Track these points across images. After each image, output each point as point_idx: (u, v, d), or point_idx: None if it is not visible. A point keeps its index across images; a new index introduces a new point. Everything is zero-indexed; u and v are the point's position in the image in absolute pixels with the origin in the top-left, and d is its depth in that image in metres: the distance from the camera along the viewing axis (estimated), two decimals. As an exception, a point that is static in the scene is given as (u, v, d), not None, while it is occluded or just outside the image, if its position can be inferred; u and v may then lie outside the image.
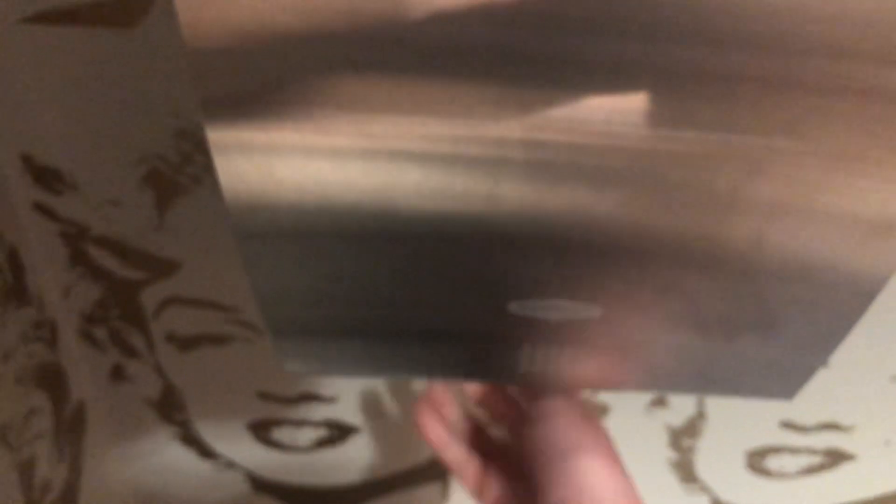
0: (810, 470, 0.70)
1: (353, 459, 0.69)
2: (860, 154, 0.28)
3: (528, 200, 0.30)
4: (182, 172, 0.49)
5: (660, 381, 0.39)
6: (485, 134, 0.28)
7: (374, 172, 0.29)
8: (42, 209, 0.51)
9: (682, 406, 0.65)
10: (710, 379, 0.38)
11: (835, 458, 0.69)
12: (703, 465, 0.70)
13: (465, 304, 0.35)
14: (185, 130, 0.47)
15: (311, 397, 0.64)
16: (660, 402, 0.64)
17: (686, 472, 0.71)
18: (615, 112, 0.27)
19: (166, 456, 0.68)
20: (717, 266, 0.32)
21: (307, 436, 0.67)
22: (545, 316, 0.35)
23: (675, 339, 0.36)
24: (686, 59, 0.25)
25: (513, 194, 0.30)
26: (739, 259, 0.32)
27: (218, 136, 0.28)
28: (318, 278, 0.34)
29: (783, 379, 0.38)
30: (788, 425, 0.67)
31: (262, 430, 0.67)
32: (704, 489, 0.72)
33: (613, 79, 0.26)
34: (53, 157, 0.49)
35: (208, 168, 0.49)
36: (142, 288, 0.56)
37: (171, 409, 0.64)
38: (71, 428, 0.59)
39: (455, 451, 0.43)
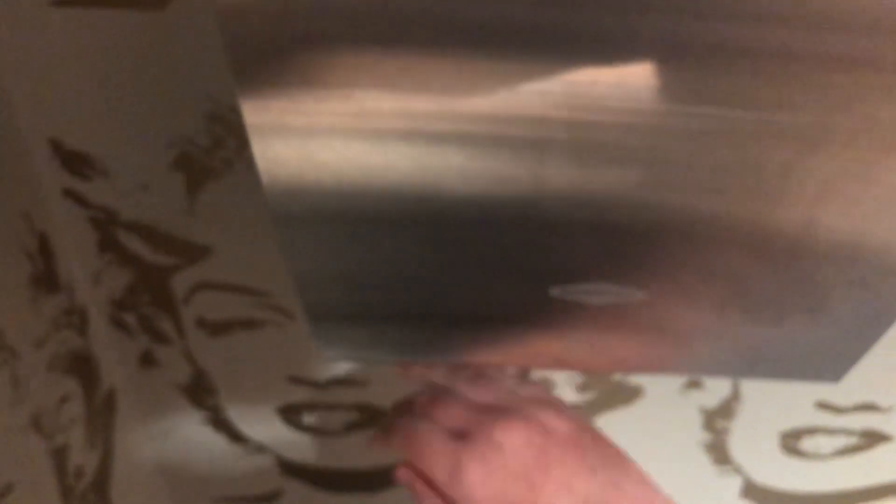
0: (846, 451, 0.70)
1: (383, 443, 0.69)
2: (916, 130, 0.27)
3: (573, 182, 0.29)
4: (213, 156, 0.49)
5: (704, 365, 0.38)
6: (529, 113, 0.27)
7: (416, 154, 0.28)
8: (72, 195, 0.51)
9: (716, 388, 0.64)
10: (756, 362, 0.37)
11: (871, 439, 0.68)
12: (737, 446, 0.70)
13: (507, 289, 0.34)
14: (216, 114, 0.47)
15: (341, 381, 0.64)
16: (694, 384, 0.64)
17: (719, 453, 0.70)
18: (664, 90, 0.26)
19: (196, 440, 0.69)
20: (768, 248, 0.31)
21: (337, 419, 0.67)
22: (588, 300, 0.34)
23: (721, 322, 0.35)
24: (739, 37, 0.25)
25: (558, 176, 0.29)
26: (790, 240, 0.31)
27: (255, 118, 0.27)
28: (357, 263, 0.33)
29: (830, 362, 0.37)
30: (824, 406, 0.66)
31: (292, 414, 0.67)
32: (737, 470, 0.72)
33: (661, 54, 0.25)
34: (82, 141, 0.48)
35: (240, 152, 0.48)
36: (172, 273, 0.56)
37: (201, 393, 0.64)
38: (102, 414, 0.59)
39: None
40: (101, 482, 0.59)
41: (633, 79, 0.26)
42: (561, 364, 0.39)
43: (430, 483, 0.40)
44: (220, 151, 0.48)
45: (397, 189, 0.30)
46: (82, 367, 0.56)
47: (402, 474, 0.41)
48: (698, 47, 0.25)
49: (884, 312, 0.34)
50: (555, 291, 0.34)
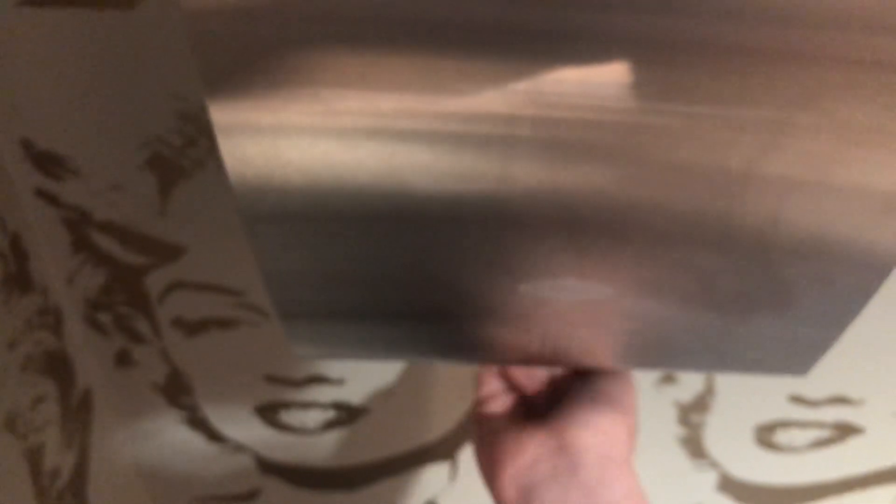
0: (819, 444, 0.70)
1: (361, 441, 0.69)
2: (877, 127, 0.27)
3: (539, 179, 0.29)
4: (185, 156, 0.49)
5: (673, 360, 0.39)
6: (495, 111, 0.27)
7: (383, 153, 0.29)
8: (44, 195, 0.51)
9: (690, 382, 0.65)
10: (724, 357, 0.38)
11: (843, 431, 0.69)
12: (712, 440, 0.70)
13: (476, 286, 0.34)
14: (187, 113, 0.47)
15: (318, 379, 0.64)
16: (668, 379, 0.64)
17: (695, 447, 0.71)
18: (626, 87, 0.27)
19: (174, 440, 0.68)
20: (732, 243, 0.32)
21: (315, 418, 0.67)
22: (556, 296, 0.34)
23: (688, 317, 0.35)
24: (700, 33, 0.25)
25: (525, 174, 0.29)
26: (754, 236, 0.31)
27: (222, 117, 0.27)
28: (327, 261, 0.33)
29: (798, 355, 0.38)
30: (797, 399, 0.66)
31: (269, 413, 0.67)
32: (713, 464, 0.72)
33: (625, 51, 0.26)
34: (54, 141, 0.48)
35: (212, 151, 0.48)
36: (146, 273, 0.56)
37: (178, 393, 0.64)
38: (78, 414, 0.59)
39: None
40: (78, 483, 0.59)
41: (598, 76, 0.26)
42: (533, 361, 0.39)
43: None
44: (191, 151, 0.48)
45: (365, 187, 0.30)
46: (57, 367, 0.56)
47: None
48: (661, 45, 0.25)
49: (848, 306, 0.35)
50: (524, 288, 0.34)
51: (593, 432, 0.39)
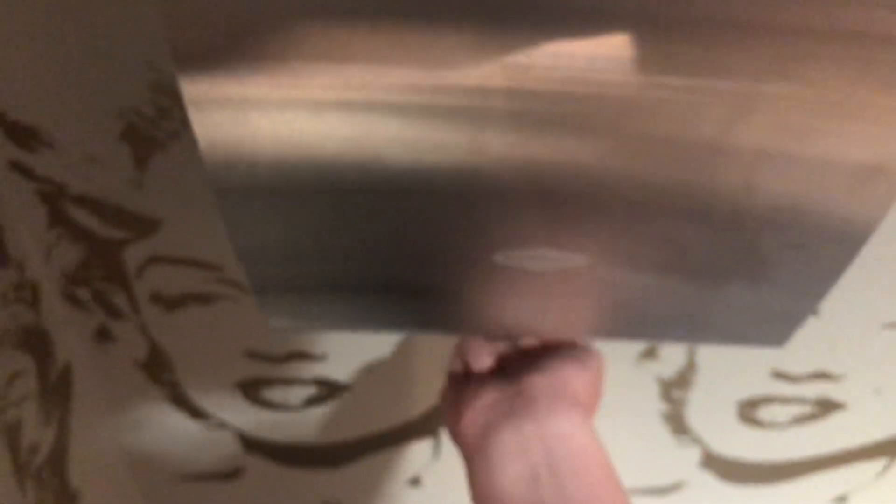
0: (801, 419, 0.71)
1: (344, 417, 0.69)
2: (847, 96, 0.27)
3: (511, 150, 0.29)
4: (159, 127, 0.48)
5: (650, 330, 0.39)
6: (465, 83, 0.27)
7: (353, 124, 0.28)
8: (18, 168, 0.50)
9: (672, 357, 0.65)
10: (700, 327, 0.38)
11: (825, 407, 0.69)
12: (695, 416, 0.70)
13: (450, 256, 0.34)
14: (161, 84, 0.46)
15: (300, 355, 0.64)
16: (650, 354, 0.64)
17: (678, 423, 0.71)
18: (597, 58, 0.27)
19: (156, 417, 0.68)
20: (706, 213, 0.32)
21: (297, 394, 0.67)
22: (531, 266, 0.34)
23: (664, 286, 0.35)
24: (672, 4, 0.25)
25: (496, 144, 0.29)
26: (728, 205, 0.31)
27: (192, 89, 0.27)
28: (300, 233, 0.33)
29: (774, 326, 0.38)
30: (779, 375, 0.67)
31: (251, 390, 0.67)
32: (696, 440, 0.73)
33: (594, 22, 0.26)
34: (27, 112, 0.48)
35: (186, 122, 0.48)
36: (123, 247, 0.55)
37: (158, 369, 0.64)
38: (57, 390, 0.59)
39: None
40: (58, 459, 0.59)
41: (569, 48, 0.26)
42: (510, 332, 0.39)
43: None
44: (166, 122, 0.48)
45: (336, 159, 0.30)
46: (35, 342, 0.55)
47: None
48: (632, 16, 0.25)
49: (823, 276, 0.35)
50: (498, 258, 0.34)
51: (549, 375, 0.40)
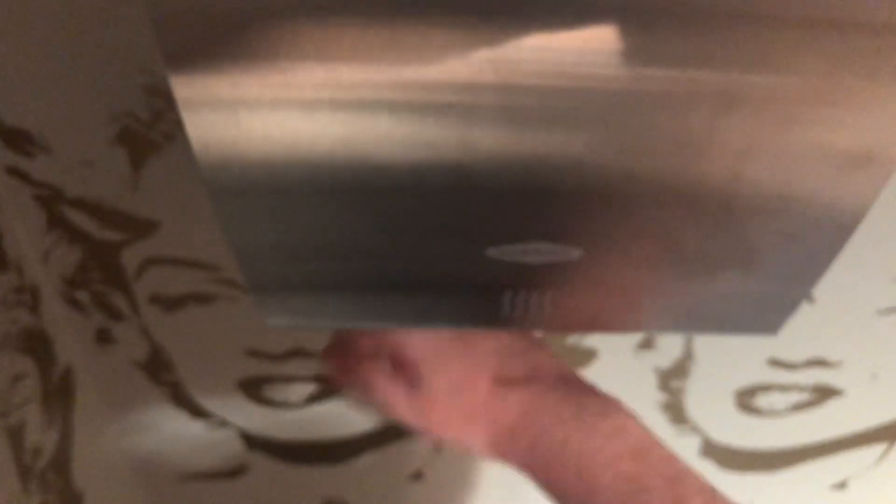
0: (799, 407, 0.71)
1: (345, 414, 0.69)
2: (832, 84, 0.28)
3: (502, 145, 0.29)
4: (154, 130, 0.48)
5: (645, 321, 0.39)
6: (455, 80, 0.27)
7: (344, 123, 0.29)
8: (16, 173, 0.50)
9: (669, 347, 0.65)
10: (694, 316, 0.38)
11: (823, 393, 0.70)
12: (693, 405, 0.71)
13: (444, 252, 0.35)
14: (155, 87, 0.46)
15: (300, 353, 0.64)
16: (647, 345, 0.64)
17: (676, 413, 0.71)
18: (585, 52, 0.27)
19: (158, 417, 0.69)
20: (696, 203, 0.32)
21: (298, 392, 0.67)
22: (525, 260, 0.35)
23: (657, 277, 0.35)
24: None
25: (487, 140, 0.29)
26: (718, 195, 0.31)
27: (184, 90, 0.27)
28: (295, 232, 0.33)
29: (767, 313, 0.38)
30: (776, 363, 0.67)
31: (253, 388, 0.67)
32: (695, 429, 0.73)
33: (581, 16, 0.26)
34: (22, 118, 0.48)
35: (181, 124, 0.48)
36: (121, 249, 0.56)
37: (159, 370, 0.64)
38: (59, 392, 0.59)
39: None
40: (62, 461, 0.59)
41: (557, 42, 0.26)
42: (505, 326, 0.39)
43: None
44: (160, 125, 0.48)
45: (328, 158, 0.30)
46: (36, 345, 0.56)
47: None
48: (620, 9, 0.26)
49: (814, 263, 0.35)
50: (491, 252, 0.34)
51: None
